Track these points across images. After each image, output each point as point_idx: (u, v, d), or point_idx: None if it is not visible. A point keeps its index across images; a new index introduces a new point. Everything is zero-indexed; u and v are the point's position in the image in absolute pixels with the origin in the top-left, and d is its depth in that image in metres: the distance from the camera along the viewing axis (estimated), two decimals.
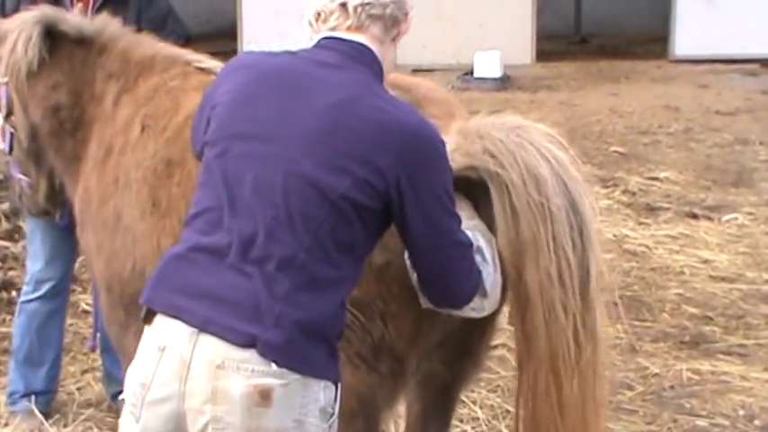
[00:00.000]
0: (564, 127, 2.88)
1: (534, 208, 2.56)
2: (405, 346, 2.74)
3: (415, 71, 11.61)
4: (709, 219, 7.22)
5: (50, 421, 4.28)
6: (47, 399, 4.38)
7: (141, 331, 2.44)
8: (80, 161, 3.36)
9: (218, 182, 2.38)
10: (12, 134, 3.53)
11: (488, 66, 12.84)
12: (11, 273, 6.02)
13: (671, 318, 5.51)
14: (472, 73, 12.98)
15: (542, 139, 2.66)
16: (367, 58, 2.48)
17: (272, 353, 2.24)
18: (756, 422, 4.37)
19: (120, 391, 2.49)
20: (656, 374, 4.80)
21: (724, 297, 5.80)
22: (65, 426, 4.30)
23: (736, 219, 7.17)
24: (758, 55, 13.68)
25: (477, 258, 2.54)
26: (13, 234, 6.57)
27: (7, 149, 3.60)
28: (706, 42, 14.02)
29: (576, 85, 12.91)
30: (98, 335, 4.00)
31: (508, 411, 4.31)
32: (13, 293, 5.60)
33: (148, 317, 2.39)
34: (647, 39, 16.01)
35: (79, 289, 5.64)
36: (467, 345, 3.01)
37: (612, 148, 9.23)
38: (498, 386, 4.59)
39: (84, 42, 3.39)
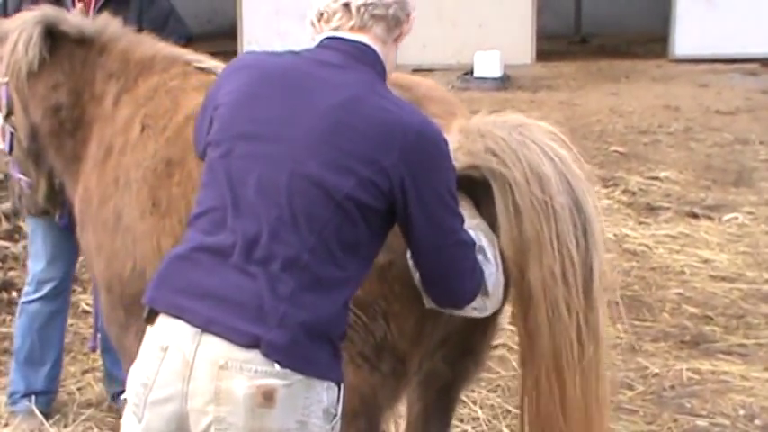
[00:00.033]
0: (564, 127, 2.87)
1: (537, 206, 2.56)
2: (407, 346, 2.73)
3: (416, 71, 11.59)
4: (710, 218, 7.21)
5: (51, 421, 4.28)
6: (47, 399, 4.37)
7: (142, 331, 2.43)
8: (80, 161, 3.36)
9: (221, 182, 2.37)
10: (12, 134, 3.53)
11: (488, 66, 12.85)
12: (11, 273, 6.02)
13: (671, 317, 5.50)
14: (472, 73, 12.99)
15: (545, 137, 2.65)
16: (370, 59, 2.47)
17: (275, 353, 2.23)
18: (757, 422, 4.37)
19: (121, 391, 2.49)
20: (657, 374, 4.79)
21: (724, 297, 5.79)
22: (65, 426, 4.30)
23: (737, 218, 7.17)
24: (758, 55, 13.69)
25: (480, 258, 2.53)
26: (14, 234, 6.56)
27: (7, 149, 3.59)
28: (706, 42, 14.02)
29: (575, 85, 12.92)
30: (98, 335, 4.00)
31: (508, 411, 4.31)
32: (14, 294, 5.60)
33: (151, 317, 2.38)
34: (647, 39, 16.02)
35: (79, 289, 5.63)
36: (468, 344, 3.01)
37: (612, 148, 9.23)
38: (499, 386, 4.58)
39: (84, 42, 3.38)
